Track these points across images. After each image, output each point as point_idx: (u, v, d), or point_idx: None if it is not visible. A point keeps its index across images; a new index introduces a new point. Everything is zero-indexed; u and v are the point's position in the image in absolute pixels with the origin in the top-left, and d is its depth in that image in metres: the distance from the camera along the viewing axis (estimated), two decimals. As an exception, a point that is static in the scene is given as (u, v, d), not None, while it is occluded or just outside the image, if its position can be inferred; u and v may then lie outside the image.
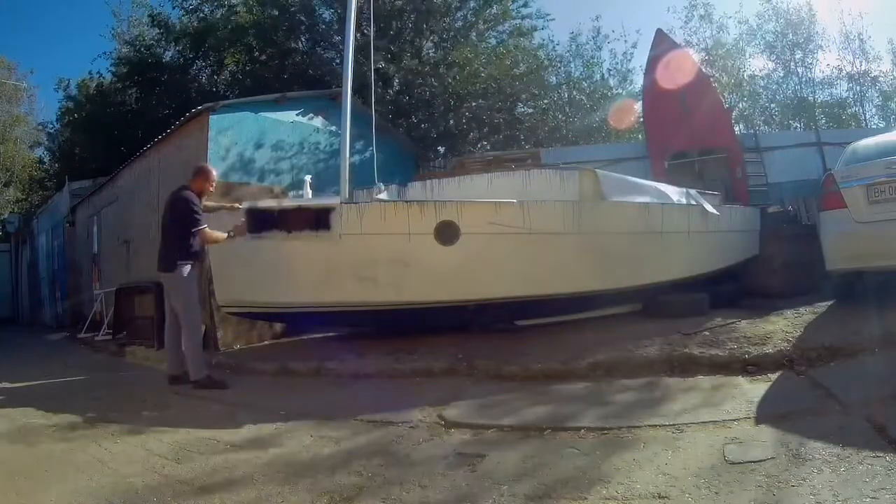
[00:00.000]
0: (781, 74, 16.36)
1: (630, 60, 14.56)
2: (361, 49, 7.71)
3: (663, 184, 5.55)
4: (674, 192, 5.26)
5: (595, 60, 14.26)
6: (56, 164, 17.05)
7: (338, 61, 10.80)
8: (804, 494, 1.66)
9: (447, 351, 4.00)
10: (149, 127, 11.69)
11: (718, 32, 16.64)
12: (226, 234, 4.14)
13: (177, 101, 12.45)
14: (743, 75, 16.10)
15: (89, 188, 10.62)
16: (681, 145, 8.85)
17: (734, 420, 2.36)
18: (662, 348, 3.44)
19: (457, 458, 2.25)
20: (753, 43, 16.46)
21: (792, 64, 16.06)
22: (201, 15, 13.09)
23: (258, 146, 7.06)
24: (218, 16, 13.11)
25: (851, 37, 16.16)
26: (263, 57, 12.29)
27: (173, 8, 13.28)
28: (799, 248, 5.44)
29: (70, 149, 15.60)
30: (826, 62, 16.58)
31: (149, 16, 14.23)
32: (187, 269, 4.03)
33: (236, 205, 4.41)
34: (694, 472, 1.90)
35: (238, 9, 12.95)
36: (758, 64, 16.73)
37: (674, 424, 2.37)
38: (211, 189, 4.28)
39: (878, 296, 4.11)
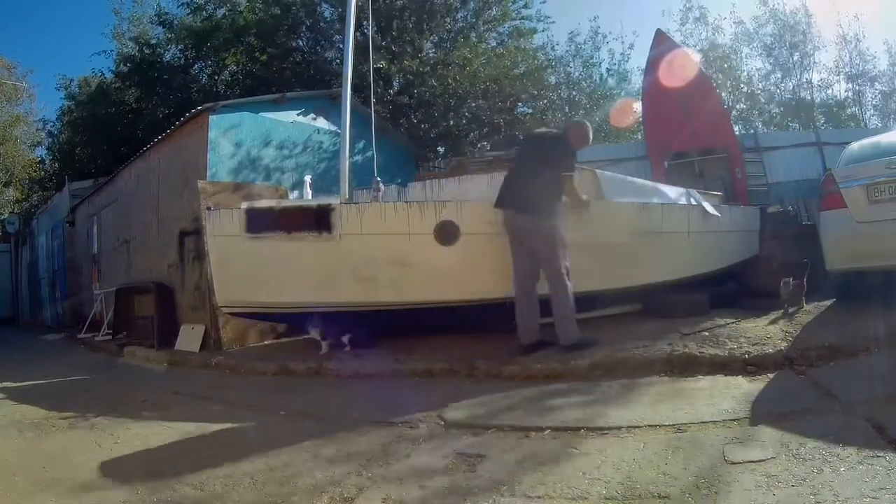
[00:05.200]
0: (779, 76, 16.41)
1: (627, 61, 14.68)
2: (362, 49, 7.72)
3: (663, 184, 5.56)
4: (674, 193, 5.26)
5: (594, 60, 14.32)
6: (56, 165, 17.05)
7: (338, 61, 10.80)
8: (804, 494, 1.66)
9: (447, 351, 4.00)
10: (149, 127, 11.71)
11: (714, 34, 16.71)
12: (585, 197, 3.89)
13: (177, 101, 12.46)
14: (740, 76, 16.15)
15: (89, 188, 10.63)
16: (681, 145, 8.85)
17: (734, 420, 2.36)
18: (662, 348, 3.43)
19: (457, 458, 2.25)
20: (751, 45, 16.52)
21: (790, 65, 16.09)
22: (205, 14, 13.09)
23: (258, 146, 7.07)
24: (220, 15, 13.11)
25: (848, 38, 16.19)
26: (264, 57, 12.30)
27: (178, 6, 13.31)
28: (799, 248, 5.44)
29: (70, 149, 15.61)
30: (824, 63, 16.60)
31: (155, 14, 14.25)
32: (558, 217, 3.70)
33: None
34: (694, 472, 1.90)
35: (241, 7, 12.95)
36: (755, 65, 16.79)
37: (674, 424, 2.37)
38: (584, 145, 4.06)
39: (879, 296, 4.10)
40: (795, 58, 15.99)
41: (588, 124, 4.15)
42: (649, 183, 5.51)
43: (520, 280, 3.82)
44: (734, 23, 16.78)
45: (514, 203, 3.78)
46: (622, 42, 17.47)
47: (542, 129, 3.99)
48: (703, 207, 5.27)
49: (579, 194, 3.92)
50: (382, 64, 9.90)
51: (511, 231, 3.85)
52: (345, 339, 4.45)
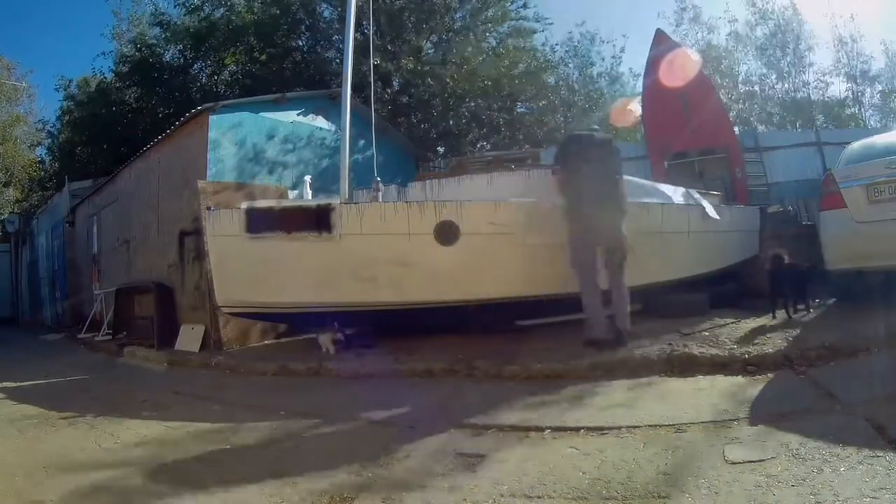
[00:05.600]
0: (775, 77, 16.43)
1: (619, 64, 14.81)
2: (362, 49, 7.73)
3: (664, 184, 5.55)
4: (675, 193, 5.26)
5: (588, 61, 14.46)
6: (56, 165, 17.05)
7: (338, 61, 10.81)
8: (804, 494, 1.66)
9: (447, 351, 4.00)
10: (149, 127, 11.72)
11: (709, 34, 16.76)
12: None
13: (177, 101, 12.47)
14: (738, 76, 16.18)
15: (89, 188, 10.63)
16: (681, 145, 8.84)
17: (734, 420, 2.36)
18: (662, 348, 3.43)
19: (457, 458, 2.25)
20: (744, 48, 16.54)
21: (784, 65, 16.10)
22: (202, 14, 13.10)
23: (258, 146, 7.07)
24: (219, 15, 13.12)
25: (844, 39, 16.21)
26: (264, 57, 12.30)
27: (175, 6, 13.31)
28: (799, 248, 5.44)
29: (70, 149, 15.61)
30: (820, 64, 16.68)
31: (151, 14, 14.27)
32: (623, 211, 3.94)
33: None
34: (694, 472, 1.90)
35: (239, 8, 12.95)
36: (751, 65, 16.83)
37: (674, 424, 2.37)
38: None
39: (878, 295, 4.11)
40: (789, 59, 16.01)
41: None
42: (650, 183, 5.50)
43: (584, 273, 3.87)
44: (728, 21, 16.82)
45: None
46: (613, 45, 17.82)
47: (602, 134, 4.26)
48: (704, 211, 5.27)
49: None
50: (378, 61, 9.89)
51: (576, 224, 3.91)
52: (348, 332, 4.48)
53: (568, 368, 3.37)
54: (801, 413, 2.35)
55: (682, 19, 16.99)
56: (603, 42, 15.06)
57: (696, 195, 5.41)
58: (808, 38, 16.05)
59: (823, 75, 16.32)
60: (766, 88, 16.57)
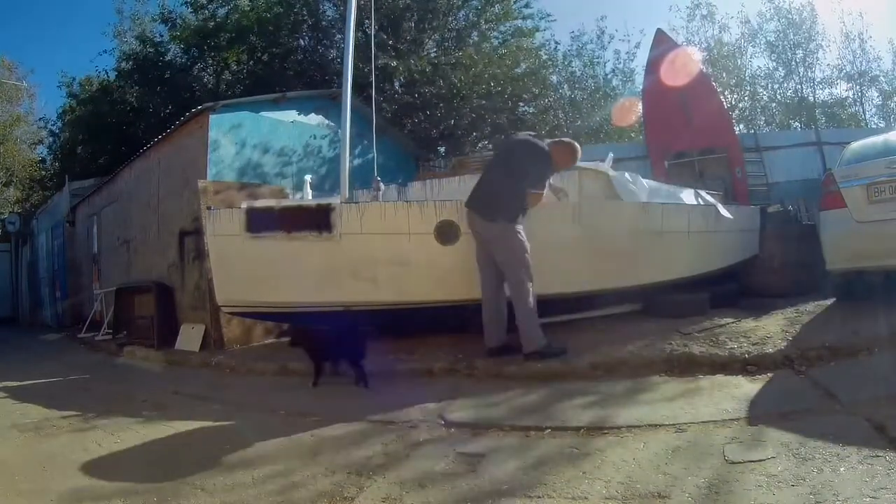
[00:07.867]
0: (782, 74, 16.44)
1: (633, 60, 14.74)
2: (364, 48, 7.71)
3: (676, 186, 5.56)
4: (684, 194, 5.27)
5: (598, 60, 14.38)
6: (57, 164, 17.03)
7: (339, 61, 10.79)
8: (804, 494, 1.66)
9: (447, 351, 4.00)
10: (151, 126, 11.69)
11: (720, 32, 16.78)
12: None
13: (179, 101, 12.44)
14: (744, 75, 16.20)
15: (89, 188, 10.63)
16: (681, 145, 8.85)
17: (734, 420, 2.36)
18: (662, 348, 3.43)
19: (457, 458, 2.25)
20: (755, 42, 16.58)
21: (793, 63, 16.12)
22: (207, 13, 13.06)
23: (258, 146, 7.08)
24: (223, 13, 13.08)
25: (852, 36, 16.22)
26: (266, 57, 12.28)
27: (182, 4, 13.29)
28: (799, 248, 5.44)
29: (71, 148, 15.58)
30: (826, 62, 16.61)
31: (158, 13, 14.23)
32: (520, 225, 3.60)
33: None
34: (694, 472, 1.90)
35: (243, 7, 12.91)
36: (759, 63, 16.89)
37: (674, 424, 2.37)
38: (567, 167, 3.92)
39: (878, 295, 4.11)
40: (799, 55, 16.04)
41: (577, 147, 3.93)
42: (663, 185, 5.51)
43: (484, 283, 3.78)
44: (741, 22, 16.88)
45: (478, 206, 3.71)
46: (628, 41, 17.84)
47: (527, 136, 3.87)
48: (718, 210, 5.28)
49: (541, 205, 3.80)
50: (392, 64, 9.85)
51: (474, 233, 3.80)
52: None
53: (568, 368, 3.37)
54: (801, 413, 2.35)
55: (695, 15, 17.06)
56: (611, 39, 15.02)
57: (708, 196, 5.42)
58: (819, 36, 16.10)
59: (829, 73, 16.37)
60: (773, 85, 16.61)
